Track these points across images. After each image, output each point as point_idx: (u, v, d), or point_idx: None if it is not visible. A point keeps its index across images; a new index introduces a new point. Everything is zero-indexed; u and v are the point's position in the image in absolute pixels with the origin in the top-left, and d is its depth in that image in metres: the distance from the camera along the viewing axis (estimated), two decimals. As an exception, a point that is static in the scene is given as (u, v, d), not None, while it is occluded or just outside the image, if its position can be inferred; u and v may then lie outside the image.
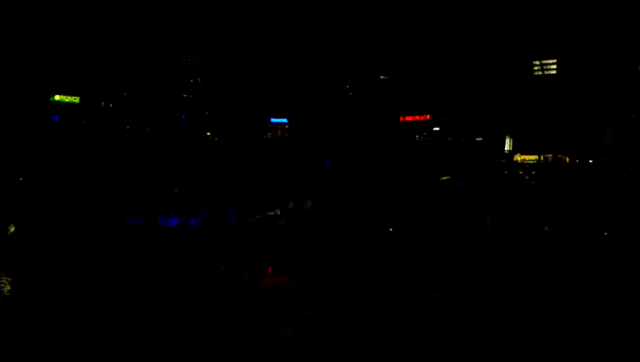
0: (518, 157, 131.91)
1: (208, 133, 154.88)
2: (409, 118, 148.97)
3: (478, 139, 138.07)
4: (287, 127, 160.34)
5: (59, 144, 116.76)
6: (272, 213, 74.82)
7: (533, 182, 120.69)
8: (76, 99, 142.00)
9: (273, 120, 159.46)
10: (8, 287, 27.00)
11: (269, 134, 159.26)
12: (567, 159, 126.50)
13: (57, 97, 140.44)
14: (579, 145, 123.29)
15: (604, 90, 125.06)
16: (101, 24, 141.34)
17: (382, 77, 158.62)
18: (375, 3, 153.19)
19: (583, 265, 42.25)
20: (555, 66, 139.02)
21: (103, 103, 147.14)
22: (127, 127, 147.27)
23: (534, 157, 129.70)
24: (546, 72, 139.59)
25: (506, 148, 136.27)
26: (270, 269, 36.48)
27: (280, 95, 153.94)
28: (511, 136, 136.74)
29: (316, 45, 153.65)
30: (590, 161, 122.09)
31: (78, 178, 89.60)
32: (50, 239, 40.24)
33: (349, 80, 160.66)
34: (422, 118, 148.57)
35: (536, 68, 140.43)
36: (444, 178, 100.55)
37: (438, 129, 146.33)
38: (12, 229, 43.16)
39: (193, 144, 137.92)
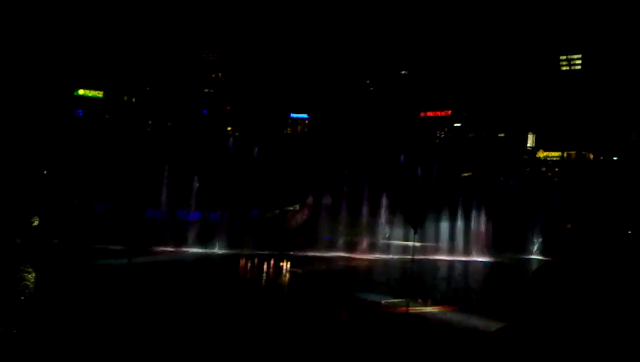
0: (541, 154, 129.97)
1: (229, 128, 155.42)
2: (430, 114, 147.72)
3: (500, 135, 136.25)
4: (307, 122, 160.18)
5: (83, 138, 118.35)
6: (291, 208, 75.08)
7: (556, 180, 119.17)
8: (100, 94, 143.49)
9: (293, 115, 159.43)
10: (32, 278, 27.45)
11: (289, 129, 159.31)
12: (592, 156, 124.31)
13: (81, 92, 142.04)
14: (603, 142, 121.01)
15: (630, 86, 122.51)
16: (125, 19, 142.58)
17: (403, 72, 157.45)
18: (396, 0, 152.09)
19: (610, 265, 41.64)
20: (580, 62, 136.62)
21: (125, 98, 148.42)
22: (150, 122, 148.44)
23: (558, 153, 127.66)
24: (571, 67, 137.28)
25: (528, 145, 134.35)
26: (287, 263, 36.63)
27: (300, 90, 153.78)
28: (534, 132, 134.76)
29: (337, 40, 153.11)
30: (615, 159, 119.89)
31: (101, 171, 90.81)
32: (73, 231, 40.79)
33: (369, 75, 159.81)
34: (443, 113, 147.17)
35: (562, 63, 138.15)
36: (465, 175, 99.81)
37: (459, 125, 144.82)
38: (36, 222, 43.81)
39: (214, 139, 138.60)
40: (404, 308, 20.27)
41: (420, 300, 23.44)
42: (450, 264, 42.82)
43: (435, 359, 14.74)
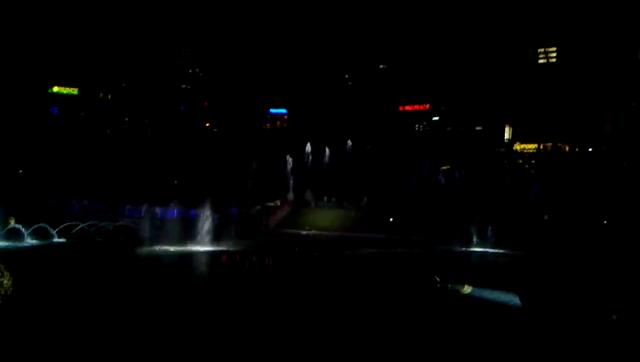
0: (518, 146, 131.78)
1: (208, 124, 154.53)
2: (408, 108, 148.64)
3: (477, 128, 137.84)
4: (286, 117, 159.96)
5: (58, 136, 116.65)
6: (272, 204, 75.05)
7: (533, 171, 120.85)
8: (75, 91, 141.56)
9: (272, 110, 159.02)
10: (7, 281, 27.03)
11: (269, 125, 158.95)
12: (567, 148, 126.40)
13: (56, 89, 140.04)
14: (579, 134, 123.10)
15: (604, 78, 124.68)
16: (99, 15, 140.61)
17: (381, 66, 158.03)
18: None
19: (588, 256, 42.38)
20: (555, 54, 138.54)
21: (101, 95, 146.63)
22: (126, 119, 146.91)
23: (534, 145, 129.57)
24: (547, 60, 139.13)
25: (505, 137, 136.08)
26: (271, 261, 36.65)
27: (279, 85, 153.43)
28: (510, 125, 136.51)
29: (315, 35, 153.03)
30: (590, 150, 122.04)
31: (78, 169, 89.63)
32: (50, 230, 40.22)
33: (348, 69, 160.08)
34: (421, 107, 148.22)
35: (538, 56, 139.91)
36: (444, 167, 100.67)
37: (437, 118, 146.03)
38: (12, 222, 43.02)
39: (192, 135, 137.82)
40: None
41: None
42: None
43: None
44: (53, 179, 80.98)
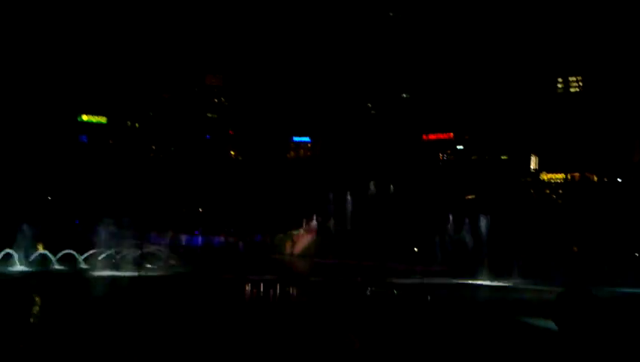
0: (545, 176, 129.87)
1: (232, 152, 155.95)
2: (432, 136, 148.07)
3: (503, 157, 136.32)
4: (309, 145, 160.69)
5: (87, 163, 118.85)
6: (295, 232, 75.04)
7: (560, 201, 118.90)
8: (103, 119, 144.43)
9: (296, 138, 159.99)
10: (38, 307, 27.31)
11: (292, 153, 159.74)
12: (595, 178, 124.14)
13: (85, 117, 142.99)
14: (607, 164, 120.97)
15: (631, 106, 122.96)
16: (128, 45, 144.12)
17: (404, 95, 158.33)
18: (397, 23, 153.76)
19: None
20: (581, 83, 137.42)
21: (129, 123, 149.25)
22: (153, 147, 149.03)
23: (561, 175, 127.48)
24: (573, 89, 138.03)
25: (532, 167, 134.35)
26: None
27: (303, 114, 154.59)
28: (537, 155, 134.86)
29: (338, 64, 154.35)
30: (619, 180, 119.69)
31: (106, 196, 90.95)
32: (77, 256, 40.72)
33: (371, 98, 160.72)
34: (445, 136, 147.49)
35: (563, 85, 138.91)
36: (469, 197, 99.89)
37: (462, 147, 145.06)
38: (40, 248, 43.72)
39: (217, 163, 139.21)
40: None
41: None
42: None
43: None
44: (81, 206, 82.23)
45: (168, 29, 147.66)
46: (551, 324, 15.38)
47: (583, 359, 13.88)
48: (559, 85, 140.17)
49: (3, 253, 39.60)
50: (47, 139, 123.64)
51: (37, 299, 28.21)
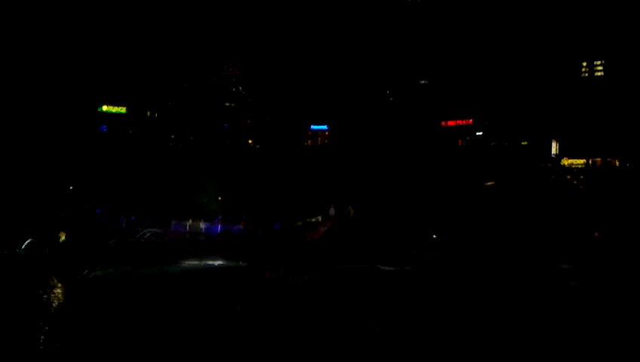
0: (566, 162, 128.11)
1: (250, 141, 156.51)
2: (451, 123, 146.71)
3: (523, 143, 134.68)
4: (327, 133, 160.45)
5: (107, 153, 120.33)
6: (313, 220, 75.16)
7: (582, 187, 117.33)
8: (123, 110, 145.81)
9: (313, 127, 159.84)
10: (61, 292, 27.83)
11: (310, 141, 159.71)
12: (617, 163, 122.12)
13: (105, 108, 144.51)
14: (629, 148, 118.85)
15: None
16: (147, 36, 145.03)
17: (422, 81, 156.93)
18: (415, 8, 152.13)
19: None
20: (602, 67, 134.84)
21: (148, 113, 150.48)
22: (172, 136, 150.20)
23: (582, 161, 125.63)
24: (593, 74, 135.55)
25: (552, 152, 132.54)
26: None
27: (320, 102, 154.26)
28: (557, 140, 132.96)
29: (356, 51, 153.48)
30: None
31: (126, 186, 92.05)
32: (99, 245, 41.34)
33: (389, 85, 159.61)
34: (464, 122, 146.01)
35: (589, 68, 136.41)
36: (489, 183, 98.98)
37: (481, 133, 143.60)
38: (63, 237, 44.43)
39: (236, 152, 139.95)
40: None
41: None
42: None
43: None
44: (102, 195, 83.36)
45: (187, 20, 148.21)
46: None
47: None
48: (582, 69, 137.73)
49: (27, 242, 40.40)
50: (68, 130, 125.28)
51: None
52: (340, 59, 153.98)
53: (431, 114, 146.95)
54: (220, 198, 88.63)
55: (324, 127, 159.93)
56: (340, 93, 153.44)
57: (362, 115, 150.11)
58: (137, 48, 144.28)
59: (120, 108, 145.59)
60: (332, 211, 75.00)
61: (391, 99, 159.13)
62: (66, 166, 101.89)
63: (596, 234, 60.89)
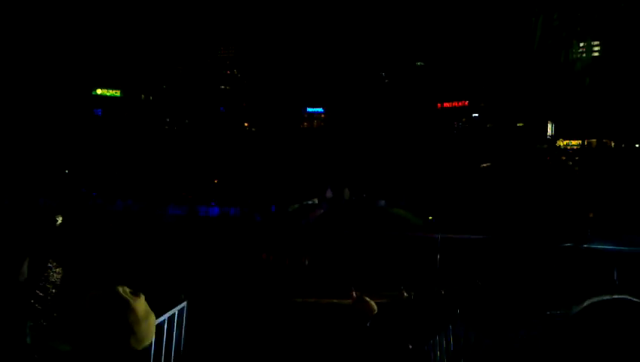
0: (561, 143, 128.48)
1: (246, 124, 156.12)
2: (447, 105, 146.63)
3: (518, 124, 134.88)
4: (323, 116, 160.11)
5: (102, 136, 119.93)
6: (310, 202, 75.38)
7: (577, 168, 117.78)
8: (117, 93, 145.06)
9: (309, 109, 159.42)
10: (58, 276, 27.92)
11: (306, 124, 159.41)
12: (613, 144, 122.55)
13: (99, 91, 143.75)
14: (625, 129, 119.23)
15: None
16: (140, 19, 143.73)
17: (418, 63, 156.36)
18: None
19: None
20: (598, 48, 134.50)
21: (143, 96, 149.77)
22: (167, 120, 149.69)
23: (578, 142, 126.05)
24: (589, 55, 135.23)
25: (548, 134, 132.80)
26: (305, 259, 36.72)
27: (315, 84, 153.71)
28: (553, 121, 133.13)
29: (351, 33, 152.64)
30: (637, 146, 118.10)
31: (122, 169, 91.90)
32: (96, 229, 41.37)
33: (384, 67, 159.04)
34: (460, 104, 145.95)
35: (580, 50, 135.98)
36: (485, 165, 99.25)
37: (477, 115, 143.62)
38: (60, 220, 44.45)
39: (231, 135, 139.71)
40: None
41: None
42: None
43: None
44: (98, 179, 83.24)
45: (181, 1, 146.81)
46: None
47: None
48: (577, 51, 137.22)
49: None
50: (62, 114, 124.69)
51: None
52: (336, 41, 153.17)
53: (427, 96, 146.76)
54: (216, 181, 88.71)
55: (320, 109, 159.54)
56: (336, 75, 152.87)
57: (358, 97, 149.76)
58: (131, 31, 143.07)
59: (114, 91, 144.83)
60: (329, 193, 75.20)
61: (387, 80, 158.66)
62: (61, 149, 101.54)
63: (591, 214, 61.31)
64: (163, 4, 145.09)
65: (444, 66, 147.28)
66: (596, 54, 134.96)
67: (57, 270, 29.07)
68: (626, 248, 43.45)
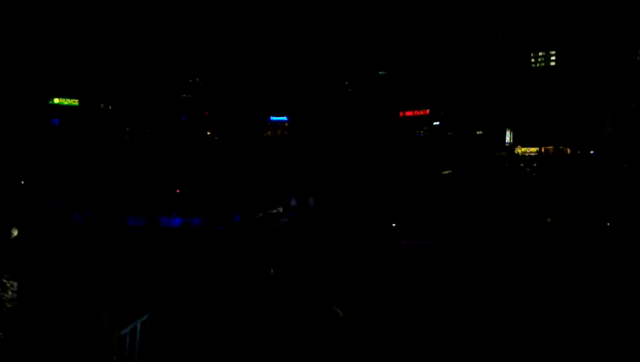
0: (519, 150, 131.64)
1: (209, 133, 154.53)
2: (409, 113, 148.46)
3: (478, 132, 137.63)
4: (287, 125, 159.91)
5: (59, 147, 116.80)
6: (274, 211, 74.97)
7: (535, 174, 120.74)
8: (75, 102, 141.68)
9: (273, 118, 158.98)
10: (12, 290, 26.93)
11: (269, 132, 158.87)
12: (569, 150, 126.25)
13: (57, 100, 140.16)
14: (579, 137, 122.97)
15: (604, 80, 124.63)
16: (98, 26, 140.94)
17: (381, 72, 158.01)
18: (373, 0, 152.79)
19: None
20: (554, 57, 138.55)
21: (102, 105, 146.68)
22: (127, 129, 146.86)
23: (535, 149, 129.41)
24: (545, 64, 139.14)
25: (506, 141, 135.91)
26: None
27: (279, 93, 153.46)
28: (511, 129, 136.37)
29: (314, 42, 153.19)
30: (591, 152, 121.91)
31: (80, 180, 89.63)
32: (53, 242, 40.17)
33: (347, 76, 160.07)
34: (422, 112, 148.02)
35: (537, 59, 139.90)
36: (446, 172, 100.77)
37: (438, 123, 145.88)
38: (15, 233, 43.04)
39: (194, 144, 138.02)
40: None
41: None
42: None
43: None
44: (55, 190, 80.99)
45: (142, 9, 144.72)
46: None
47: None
48: (532, 60, 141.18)
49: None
50: (18, 123, 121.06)
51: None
52: (299, 50, 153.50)
53: (389, 104, 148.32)
54: (177, 191, 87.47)
55: (284, 118, 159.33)
56: (300, 84, 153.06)
57: (322, 106, 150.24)
58: (89, 39, 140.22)
59: (72, 100, 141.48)
60: (293, 202, 75.02)
61: (350, 89, 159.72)
62: (17, 160, 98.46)
63: (549, 219, 62.83)
64: (123, 12, 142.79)
65: (406, 75, 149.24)
66: (552, 63, 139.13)
67: (11, 284, 28.04)
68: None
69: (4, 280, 28.78)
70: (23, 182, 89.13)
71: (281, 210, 72.71)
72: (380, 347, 14.20)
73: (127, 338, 11.46)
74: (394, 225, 63.20)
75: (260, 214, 70.75)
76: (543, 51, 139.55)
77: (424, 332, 15.40)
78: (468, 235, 50.03)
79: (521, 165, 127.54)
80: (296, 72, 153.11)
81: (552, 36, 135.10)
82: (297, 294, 24.58)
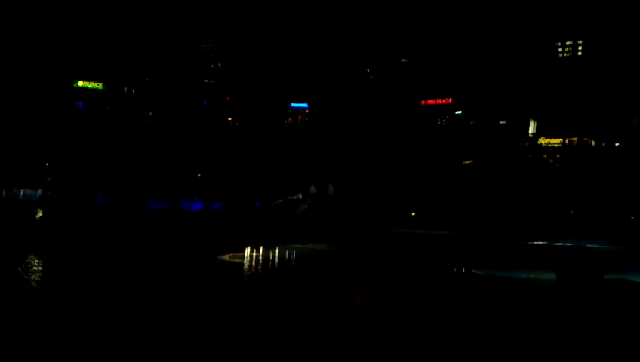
0: (543, 141, 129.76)
1: (230, 119, 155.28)
2: (430, 102, 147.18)
3: (501, 122, 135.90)
4: (307, 111, 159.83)
5: (84, 130, 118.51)
6: (294, 197, 75.30)
7: (558, 166, 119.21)
8: (99, 85, 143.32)
9: (293, 104, 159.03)
10: (38, 269, 27.51)
11: (290, 119, 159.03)
12: (593, 142, 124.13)
13: (81, 83, 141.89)
14: (605, 128, 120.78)
15: (631, 71, 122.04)
16: (124, 10, 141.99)
17: (403, 60, 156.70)
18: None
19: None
20: (581, 47, 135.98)
21: (125, 89, 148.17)
22: (150, 113, 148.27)
23: (559, 140, 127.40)
24: (573, 53, 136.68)
25: (530, 131, 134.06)
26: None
27: (300, 80, 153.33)
28: (535, 119, 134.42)
29: (336, 29, 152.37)
30: (617, 144, 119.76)
31: (103, 163, 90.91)
32: (77, 223, 40.89)
33: (369, 63, 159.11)
34: (444, 101, 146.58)
35: (563, 49, 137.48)
36: (467, 162, 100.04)
37: (460, 112, 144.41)
38: (40, 214, 43.90)
39: (215, 129, 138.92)
40: None
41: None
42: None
43: None
44: (79, 173, 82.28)
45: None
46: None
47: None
48: (559, 49, 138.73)
49: None
50: (43, 106, 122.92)
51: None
52: (321, 36, 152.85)
53: (411, 92, 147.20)
54: (199, 176, 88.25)
55: (305, 104, 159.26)
56: (321, 70, 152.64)
57: (342, 93, 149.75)
58: (114, 22, 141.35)
59: (96, 83, 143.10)
60: (313, 189, 75.25)
61: (371, 77, 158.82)
62: (41, 142, 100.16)
63: (572, 211, 62.08)
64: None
65: (429, 63, 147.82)
66: (579, 53, 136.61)
67: (38, 263, 28.65)
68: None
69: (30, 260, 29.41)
70: (47, 164, 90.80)
71: (300, 196, 73.02)
72: (396, 337, 14.27)
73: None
74: (413, 214, 63.12)
75: (280, 200, 71.18)
76: (570, 41, 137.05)
77: (441, 324, 15.46)
78: (484, 226, 49.71)
79: (545, 156, 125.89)
80: (318, 59, 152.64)
81: (580, 25, 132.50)
82: (315, 281, 24.75)
